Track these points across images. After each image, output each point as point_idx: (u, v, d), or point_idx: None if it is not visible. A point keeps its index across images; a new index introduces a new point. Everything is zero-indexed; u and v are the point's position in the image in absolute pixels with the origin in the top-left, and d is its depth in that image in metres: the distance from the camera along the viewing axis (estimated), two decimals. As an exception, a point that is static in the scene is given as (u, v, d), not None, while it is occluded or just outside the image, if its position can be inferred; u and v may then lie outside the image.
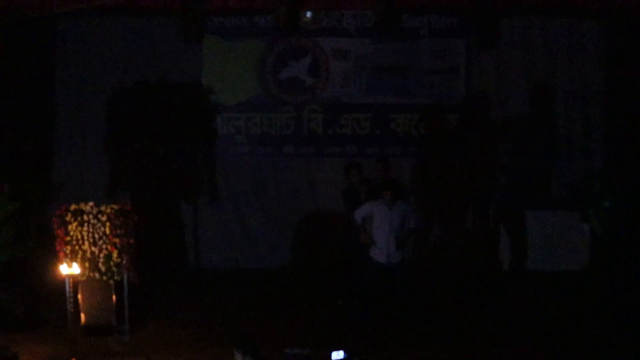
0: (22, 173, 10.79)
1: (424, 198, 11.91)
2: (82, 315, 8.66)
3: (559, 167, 12.01)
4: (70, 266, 7.99)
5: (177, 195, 11.88)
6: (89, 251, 8.58)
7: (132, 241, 8.77)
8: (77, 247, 8.58)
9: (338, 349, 6.46)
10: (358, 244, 9.54)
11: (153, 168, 11.61)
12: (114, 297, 8.67)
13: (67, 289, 7.76)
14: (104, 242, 8.57)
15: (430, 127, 11.94)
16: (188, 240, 11.97)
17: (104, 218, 8.57)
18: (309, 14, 10.41)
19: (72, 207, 8.65)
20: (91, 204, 8.67)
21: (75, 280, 8.18)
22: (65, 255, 8.54)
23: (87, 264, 8.57)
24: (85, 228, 8.57)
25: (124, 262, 8.57)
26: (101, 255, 8.56)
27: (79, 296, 8.60)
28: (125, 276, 8.59)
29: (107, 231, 8.56)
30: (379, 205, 9.29)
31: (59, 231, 8.59)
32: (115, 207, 8.71)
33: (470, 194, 11.94)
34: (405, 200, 9.62)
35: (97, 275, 8.59)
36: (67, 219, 8.59)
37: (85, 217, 8.58)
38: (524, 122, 12.03)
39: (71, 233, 8.58)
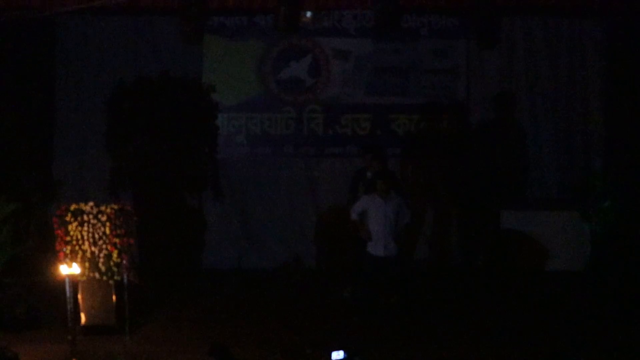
0: (22, 173, 10.79)
1: (424, 198, 11.91)
2: (82, 315, 8.66)
3: (559, 167, 12.02)
4: (70, 266, 7.99)
5: (179, 193, 11.88)
6: (89, 251, 8.57)
7: (132, 241, 8.78)
8: (77, 247, 8.57)
9: (338, 349, 6.47)
10: (357, 239, 9.67)
11: (154, 166, 11.61)
12: (114, 297, 8.67)
13: (67, 289, 7.75)
14: (104, 242, 8.56)
15: (431, 127, 11.94)
16: (189, 240, 11.96)
17: (104, 218, 8.57)
18: (309, 14, 10.40)
19: (72, 207, 8.65)
20: (91, 203, 8.67)
21: (75, 280, 8.19)
22: (65, 255, 8.53)
23: (87, 264, 8.57)
24: (85, 228, 8.57)
25: (124, 262, 8.57)
26: (101, 255, 8.56)
27: (79, 296, 8.60)
28: (125, 276, 8.58)
29: (107, 231, 8.56)
30: (374, 198, 9.43)
31: (59, 231, 8.59)
32: (115, 207, 8.71)
33: (470, 194, 11.93)
34: (399, 194, 9.69)
35: (97, 275, 8.59)
36: (67, 219, 8.59)
37: (85, 217, 8.57)
38: (524, 122, 12.05)
39: (71, 233, 8.57)
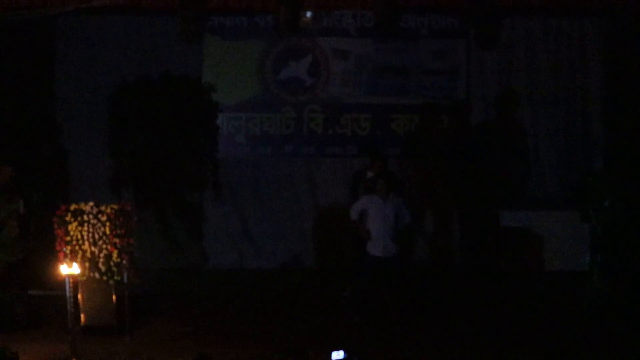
0: (23, 172, 10.78)
1: (424, 198, 11.91)
2: (82, 315, 8.65)
3: (559, 167, 12.02)
4: (70, 266, 7.99)
5: (179, 193, 11.90)
6: (89, 251, 8.58)
7: (132, 241, 8.78)
8: (77, 247, 8.58)
9: (338, 349, 6.47)
10: (357, 239, 9.66)
11: (155, 165, 11.63)
12: (114, 297, 8.67)
13: (67, 289, 7.75)
14: (104, 242, 8.56)
15: (431, 127, 11.94)
16: (189, 240, 11.98)
17: (104, 218, 8.57)
18: (309, 14, 10.40)
19: (72, 207, 8.66)
20: (91, 203, 8.67)
21: (75, 280, 8.18)
22: (65, 255, 8.54)
23: (87, 264, 8.57)
24: (85, 228, 8.57)
25: (124, 262, 8.57)
26: (101, 255, 8.56)
27: (79, 296, 8.59)
28: (125, 276, 8.58)
29: (107, 231, 8.56)
30: (374, 198, 9.44)
31: (59, 231, 8.59)
32: (115, 207, 8.71)
33: (470, 194, 11.94)
34: (399, 194, 9.69)
35: (97, 275, 8.59)
36: (67, 219, 8.59)
37: (85, 217, 8.58)
38: (524, 122, 12.05)
39: (71, 233, 8.58)
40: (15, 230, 9.54)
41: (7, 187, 9.59)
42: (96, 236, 8.58)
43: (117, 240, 8.57)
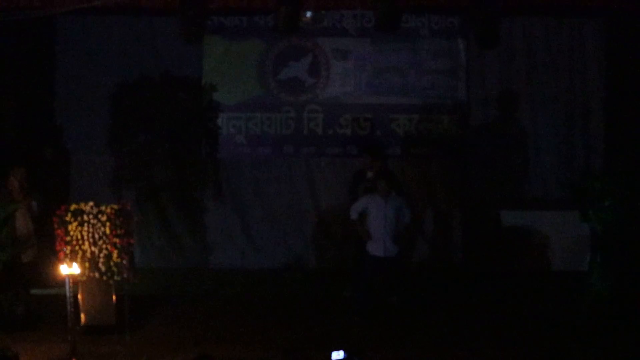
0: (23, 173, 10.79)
1: (424, 198, 11.91)
2: (82, 315, 8.66)
3: (559, 167, 12.02)
4: (70, 266, 7.99)
5: (179, 193, 11.89)
6: (89, 251, 8.57)
7: (132, 241, 8.78)
8: (77, 247, 8.58)
9: (338, 349, 6.47)
10: (357, 239, 9.66)
11: (155, 166, 11.64)
12: (114, 297, 8.68)
13: (67, 289, 7.75)
14: (104, 242, 8.56)
15: (431, 127, 11.94)
16: (189, 240, 11.98)
17: (104, 218, 8.57)
18: (309, 14, 10.40)
19: (72, 207, 8.65)
20: (91, 203, 8.67)
21: (75, 280, 8.18)
22: (65, 255, 8.54)
23: (87, 264, 8.57)
24: (85, 228, 8.57)
25: (124, 262, 8.57)
26: (101, 255, 8.56)
27: (79, 296, 8.61)
28: (125, 276, 8.58)
29: (107, 231, 8.56)
30: (374, 198, 9.44)
31: (59, 231, 8.59)
32: (115, 207, 8.71)
33: (470, 194, 11.93)
34: (399, 194, 9.70)
35: (97, 275, 8.59)
36: (67, 219, 8.59)
37: (85, 217, 8.57)
38: (524, 122, 12.05)
39: (71, 233, 8.58)
40: (29, 229, 9.60)
41: (22, 187, 9.64)
42: (96, 236, 8.58)
43: (117, 240, 8.56)
